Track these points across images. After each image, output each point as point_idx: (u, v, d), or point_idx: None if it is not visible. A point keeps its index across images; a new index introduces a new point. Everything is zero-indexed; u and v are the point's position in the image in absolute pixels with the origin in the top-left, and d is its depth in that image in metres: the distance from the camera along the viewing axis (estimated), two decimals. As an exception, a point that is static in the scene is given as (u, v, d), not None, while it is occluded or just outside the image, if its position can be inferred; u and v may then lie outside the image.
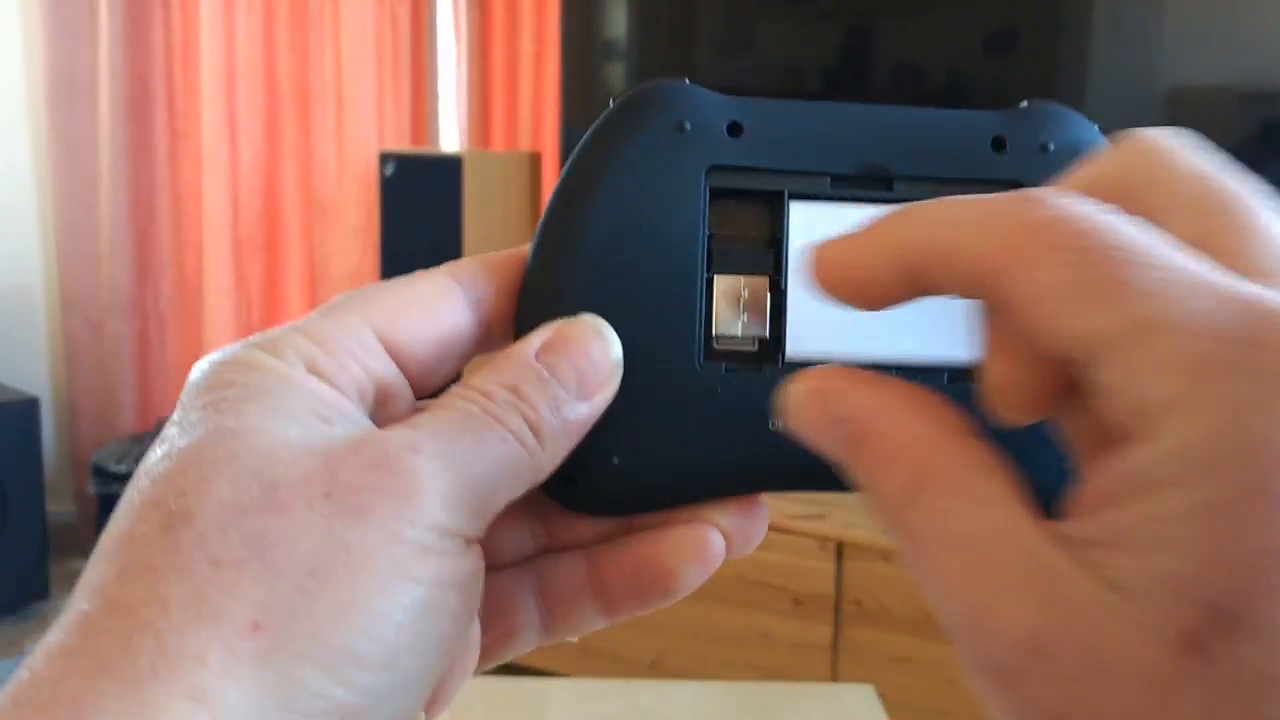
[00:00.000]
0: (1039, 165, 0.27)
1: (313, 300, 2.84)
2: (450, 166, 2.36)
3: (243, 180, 2.77)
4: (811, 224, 0.27)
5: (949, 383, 0.27)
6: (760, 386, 0.27)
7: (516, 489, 0.25)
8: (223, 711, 0.20)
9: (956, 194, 0.24)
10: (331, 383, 0.24)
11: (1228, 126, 1.88)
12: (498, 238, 2.47)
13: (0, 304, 2.80)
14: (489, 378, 0.25)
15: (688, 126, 0.27)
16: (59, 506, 2.76)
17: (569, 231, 0.26)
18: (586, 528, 0.29)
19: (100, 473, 2.52)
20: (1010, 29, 2.02)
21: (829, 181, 0.27)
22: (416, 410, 0.26)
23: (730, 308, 0.27)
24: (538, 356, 0.25)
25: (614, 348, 0.26)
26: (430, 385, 0.27)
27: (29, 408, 2.45)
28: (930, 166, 0.27)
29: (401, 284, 0.26)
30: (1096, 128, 0.28)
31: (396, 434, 0.23)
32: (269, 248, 2.84)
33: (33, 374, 2.80)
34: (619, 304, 0.26)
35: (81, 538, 2.78)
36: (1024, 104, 0.28)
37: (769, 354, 0.27)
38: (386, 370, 0.25)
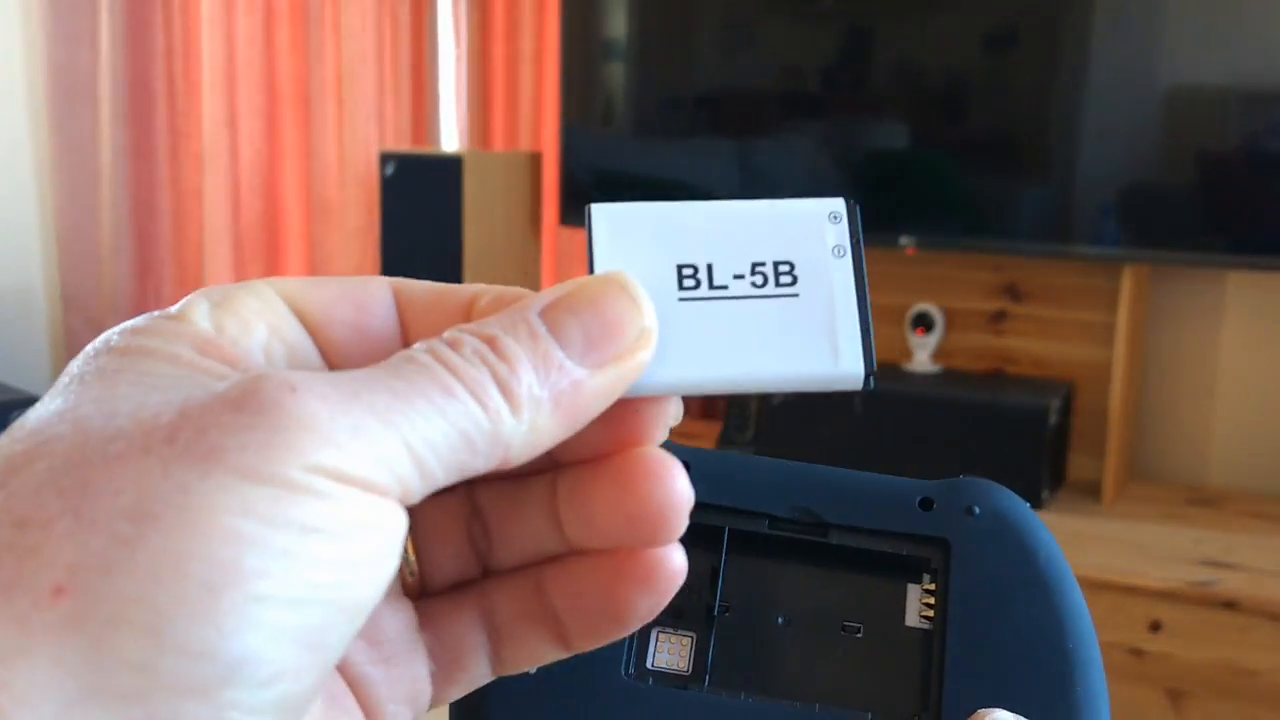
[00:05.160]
0: (964, 525, 0.29)
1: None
2: (450, 166, 2.36)
3: (243, 180, 2.78)
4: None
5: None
6: (687, 703, 0.28)
7: (467, 459, 0.20)
8: (12, 701, 0.16)
9: (884, 544, 0.29)
10: (234, 343, 0.21)
11: (1227, 126, 1.88)
12: (498, 238, 2.47)
13: (2, 303, 2.81)
14: (466, 326, 0.21)
15: None
16: (60, 506, 2.77)
17: None
18: (530, 543, 0.25)
19: (101, 472, 2.52)
20: (1010, 29, 2.02)
21: (767, 522, 0.29)
22: None
23: (664, 639, 0.29)
24: (542, 313, 0.22)
25: (645, 313, 0.22)
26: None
27: (30, 406, 2.46)
28: (861, 517, 0.29)
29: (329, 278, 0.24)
30: (1025, 502, 0.30)
31: (278, 374, 0.19)
32: (269, 248, 2.85)
33: (34, 373, 2.80)
34: None
35: (82, 537, 2.79)
36: (958, 477, 0.30)
37: (697, 677, 0.29)
38: (298, 338, 0.23)
